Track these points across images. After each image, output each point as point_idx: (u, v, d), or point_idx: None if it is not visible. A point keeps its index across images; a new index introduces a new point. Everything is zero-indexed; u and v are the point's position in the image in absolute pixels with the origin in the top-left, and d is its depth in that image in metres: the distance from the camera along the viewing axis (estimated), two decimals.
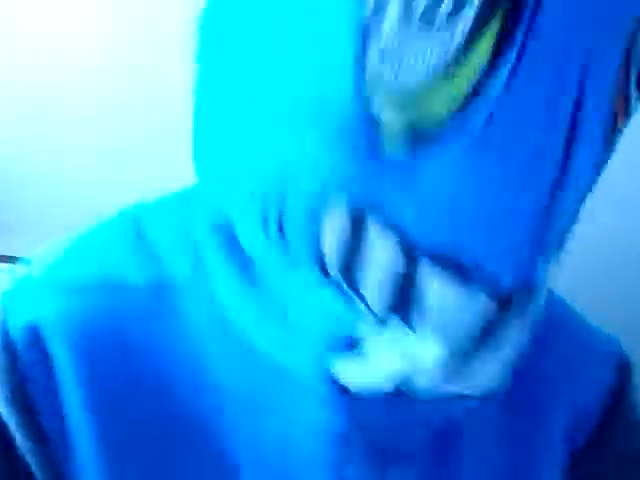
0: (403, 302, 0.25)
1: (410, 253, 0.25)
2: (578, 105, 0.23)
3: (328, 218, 0.25)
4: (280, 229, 0.26)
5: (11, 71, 1.47)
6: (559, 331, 0.36)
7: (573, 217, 0.26)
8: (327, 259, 0.26)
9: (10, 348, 0.29)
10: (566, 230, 0.26)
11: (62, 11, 1.42)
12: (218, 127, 0.28)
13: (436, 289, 0.25)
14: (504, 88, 0.23)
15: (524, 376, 0.32)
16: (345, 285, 0.26)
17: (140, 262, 0.32)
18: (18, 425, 0.28)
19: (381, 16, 0.23)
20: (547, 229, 0.24)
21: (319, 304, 0.28)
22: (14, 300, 0.31)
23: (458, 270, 0.24)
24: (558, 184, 0.23)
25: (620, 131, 0.26)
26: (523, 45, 0.22)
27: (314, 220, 0.25)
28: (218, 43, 0.28)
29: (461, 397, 0.27)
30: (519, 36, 0.22)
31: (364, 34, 0.23)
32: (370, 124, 0.24)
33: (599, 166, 0.26)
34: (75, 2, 1.42)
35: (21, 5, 1.42)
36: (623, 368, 0.38)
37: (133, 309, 0.31)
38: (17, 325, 0.29)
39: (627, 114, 0.26)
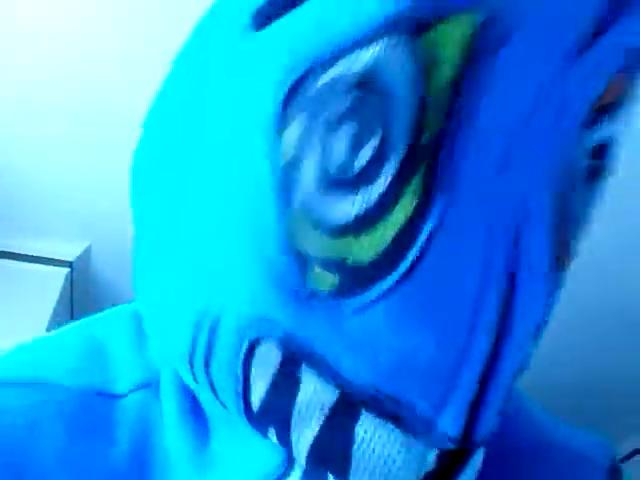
0: (340, 456, 0.24)
1: (347, 401, 0.24)
2: (511, 254, 0.23)
3: (258, 354, 0.24)
4: (207, 365, 0.26)
5: (12, 70, 1.47)
6: (545, 453, 0.35)
7: (523, 357, 0.24)
8: (253, 399, 0.25)
9: None
10: (517, 369, 0.24)
11: (63, 11, 1.43)
12: (155, 257, 0.28)
13: (373, 439, 0.23)
14: (429, 237, 0.22)
15: None
16: (273, 433, 0.25)
17: (83, 369, 0.32)
18: None
19: (299, 166, 0.23)
20: (490, 377, 0.23)
21: (247, 450, 0.27)
22: None
23: (397, 420, 0.23)
24: (497, 332, 0.22)
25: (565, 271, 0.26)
26: (446, 198, 0.22)
27: (241, 355, 0.25)
28: (154, 178, 0.28)
29: None
30: (441, 188, 0.22)
31: (284, 183, 0.23)
32: (297, 261, 0.23)
33: (547, 306, 0.25)
34: (75, 3, 1.42)
35: (22, 5, 1.42)
36: (615, 476, 0.36)
37: (57, 411, 0.30)
38: None
39: (569, 256, 0.26)
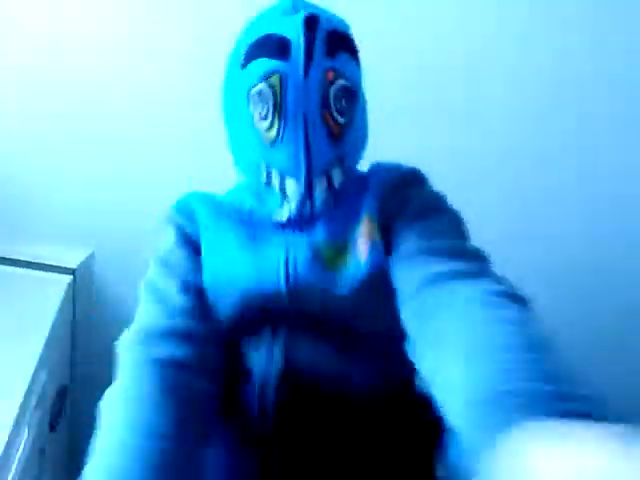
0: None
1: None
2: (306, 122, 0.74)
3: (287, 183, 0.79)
4: (268, 183, 0.80)
5: (17, 73, 1.49)
6: (377, 169, 0.85)
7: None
8: (273, 186, 0.80)
9: (180, 209, 0.86)
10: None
11: (74, 11, 1.44)
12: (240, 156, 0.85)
13: (290, 186, 0.77)
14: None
15: (350, 187, 0.81)
16: (281, 192, 0.79)
17: (231, 197, 0.87)
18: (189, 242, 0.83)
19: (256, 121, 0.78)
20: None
21: (275, 202, 0.81)
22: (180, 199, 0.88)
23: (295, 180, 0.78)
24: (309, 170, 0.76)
25: (345, 133, 0.77)
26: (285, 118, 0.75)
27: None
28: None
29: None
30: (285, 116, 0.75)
31: (257, 130, 0.78)
32: (263, 145, 0.78)
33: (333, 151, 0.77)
34: (91, 3, 1.43)
35: (27, 5, 1.43)
36: (415, 172, 0.84)
37: (227, 202, 0.86)
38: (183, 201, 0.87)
39: (336, 122, 0.76)
